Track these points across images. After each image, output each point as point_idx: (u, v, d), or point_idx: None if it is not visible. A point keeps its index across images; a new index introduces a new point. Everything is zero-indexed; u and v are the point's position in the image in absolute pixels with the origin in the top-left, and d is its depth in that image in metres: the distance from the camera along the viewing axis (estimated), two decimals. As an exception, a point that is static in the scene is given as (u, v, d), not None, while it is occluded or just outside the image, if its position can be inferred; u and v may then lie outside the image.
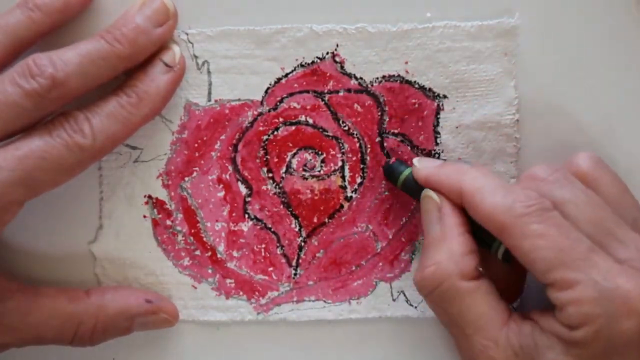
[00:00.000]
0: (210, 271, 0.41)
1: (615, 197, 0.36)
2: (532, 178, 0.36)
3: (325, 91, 0.40)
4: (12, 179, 0.34)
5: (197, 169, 0.40)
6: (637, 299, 0.32)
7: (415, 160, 0.39)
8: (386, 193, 0.40)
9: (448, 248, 0.36)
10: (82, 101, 0.37)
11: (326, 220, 0.41)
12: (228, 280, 0.41)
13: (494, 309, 0.35)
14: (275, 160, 0.40)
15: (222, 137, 0.40)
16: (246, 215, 0.40)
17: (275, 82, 0.40)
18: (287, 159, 0.40)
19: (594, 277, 0.32)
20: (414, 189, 0.38)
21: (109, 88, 0.37)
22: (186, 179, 0.40)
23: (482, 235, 0.36)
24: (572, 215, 0.35)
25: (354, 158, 0.40)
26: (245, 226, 0.41)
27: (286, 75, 0.40)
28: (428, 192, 0.38)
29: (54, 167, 0.35)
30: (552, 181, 0.36)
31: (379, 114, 0.40)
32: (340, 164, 0.40)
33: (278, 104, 0.40)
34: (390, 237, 0.41)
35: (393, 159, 0.40)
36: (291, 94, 0.40)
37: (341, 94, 0.40)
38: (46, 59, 0.35)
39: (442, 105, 0.40)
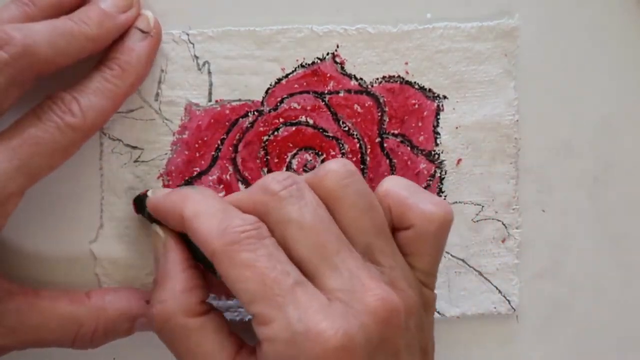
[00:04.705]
0: (210, 271, 0.41)
1: (350, 219, 0.34)
2: (264, 190, 0.34)
3: (326, 92, 0.40)
4: (10, 170, 0.34)
5: (197, 169, 0.40)
6: (330, 340, 0.31)
7: (149, 192, 0.38)
8: (386, 193, 0.41)
9: (171, 286, 0.35)
10: (67, 84, 0.37)
11: (326, 220, 0.41)
12: (228, 281, 0.41)
13: (220, 345, 0.34)
14: (276, 160, 0.40)
15: (223, 137, 0.40)
16: (246, 216, 0.40)
17: (276, 83, 0.40)
18: (288, 160, 0.40)
19: (289, 316, 0.31)
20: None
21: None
22: (187, 179, 0.40)
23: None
24: (292, 239, 0.33)
25: (354, 159, 0.40)
26: (246, 226, 0.41)
27: (286, 75, 0.40)
28: (154, 227, 0.37)
29: (48, 151, 0.35)
30: (282, 197, 0.33)
31: (379, 114, 0.40)
32: (340, 164, 0.40)
33: (278, 104, 0.40)
34: (391, 237, 0.41)
35: (144, 191, 0.39)
36: (291, 95, 0.40)
37: (341, 94, 0.40)
38: (15, 29, 0.34)
39: (442, 105, 0.40)
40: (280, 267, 0.32)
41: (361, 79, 0.40)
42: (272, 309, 0.31)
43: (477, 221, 0.41)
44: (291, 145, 0.40)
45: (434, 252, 0.36)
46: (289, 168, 0.40)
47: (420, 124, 0.40)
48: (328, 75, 0.40)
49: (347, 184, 0.35)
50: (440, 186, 0.41)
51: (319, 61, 0.40)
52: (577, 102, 0.41)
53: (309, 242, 0.33)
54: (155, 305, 0.35)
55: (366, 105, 0.40)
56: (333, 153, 0.40)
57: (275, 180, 0.34)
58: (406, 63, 0.40)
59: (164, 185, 0.40)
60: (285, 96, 0.40)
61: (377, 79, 0.40)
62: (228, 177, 0.40)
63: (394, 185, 0.36)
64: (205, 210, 0.34)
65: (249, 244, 0.32)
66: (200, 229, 0.34)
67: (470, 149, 0.40)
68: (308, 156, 0.40)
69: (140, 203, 0.39)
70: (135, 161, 0.40)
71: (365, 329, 0.31)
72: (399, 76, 0.40)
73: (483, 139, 0.40)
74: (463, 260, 0.41)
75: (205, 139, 0.40)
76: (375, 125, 0.40)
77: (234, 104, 0.40)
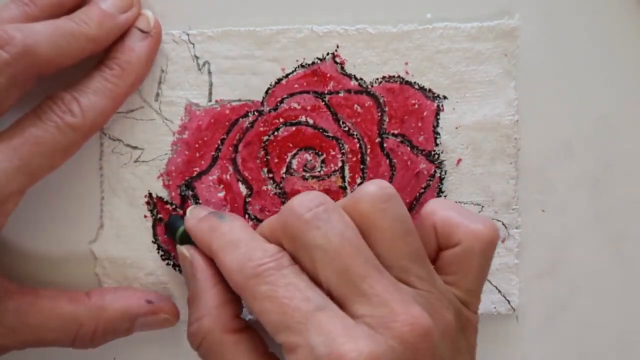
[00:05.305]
0: (210, 271, 0.41)
1: (385, 244, 0.33)
2: (291, 212, 0.33)
3: (326, 92, 0.40)
4: (11, 170, 0.34)
5: (197, 169, 0.40)
6: None
7: (188, 210, 0.39)
8: (386, 193, 0.41)
9: (204, 302, 0.35)
10: (67, 84, 0.37)
11: (326, 220, 0.41)
12: (228, 281, 0.41)
13: None
14: (276, 160, 0.40)
15: (223, 137, 0.40)
16: (246, 216, 0.40)
17: (276, 83, 0.40)
18: (288, 160, 0.40)
19: (313, 341, 0.30)
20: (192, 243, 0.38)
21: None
22: (187, 179, 0.40)
23: None
24: (318, 263, 0.32)
25: (354, 159, 0.40)
26: (246, 226, 0.41)
27: (287, 75, 0.40)
28: (179, 249, 0.38)
29: (49, 151, 0.35)
30: (307, 220, 0.32)
31: (379, 114, 0.40)
32: (340, 164, 0.40)
33: (278, 104, 0.40)
34: (391, 237, 0.41)
35: (173, 214, 0.40)
36: (291, 95, 0.40)
37: (341, 94, 0.40)
38: (15, 29, 0.35)
39: (442, 106, 0.40)
40: (300, 295, 0.32)
41: (361, 79, 0.40)
42: (295, 337, 0.31)
43: (477, 221, 0.41)
44: (291, 145, 0.40)
45: (479, 271, 0.35)
46: (289, 168, 0.40)
47: (420, 124, 0.40)
48: (328, 75, 0.40)
49: (384, 208, 0.33)
50: (440, 186, 0.41)
51: (319, 61, 0.40)
52: (577, 102, 0.41)
53: (334, 267, 0.32)
54: (192, 324, 0.35)
55: (366, 105, 0.40)
56: (333, 153, 0.40)
57: (301, 203, 0.33)
58: (406, 63, 0.40)
59: (164, 185, 0.40)
60: (285, 96, 0.40)
61: (377, 79, 0.40)
62: (228, 177, 0.40)
63: (440, 205, 0.36)
64: (230, 242, 0.34)
65: (267, 275, 0.32)
66: (225, 262, 0.34)
67: (470, 149, 0.40)
68: (308, 156, 0.40)
69: (170, 226, 0.39)
70: (136, 161, 0.40)
71: (392, 352, 0.31)
72: (399, 76, 0.40)
73: (483, 139, 0.40)
74: (463, 260, 0.41)
75: (205, 139, 0.40)
76: (375, 125, 0.40)
77: (234, 104, 0.40)
